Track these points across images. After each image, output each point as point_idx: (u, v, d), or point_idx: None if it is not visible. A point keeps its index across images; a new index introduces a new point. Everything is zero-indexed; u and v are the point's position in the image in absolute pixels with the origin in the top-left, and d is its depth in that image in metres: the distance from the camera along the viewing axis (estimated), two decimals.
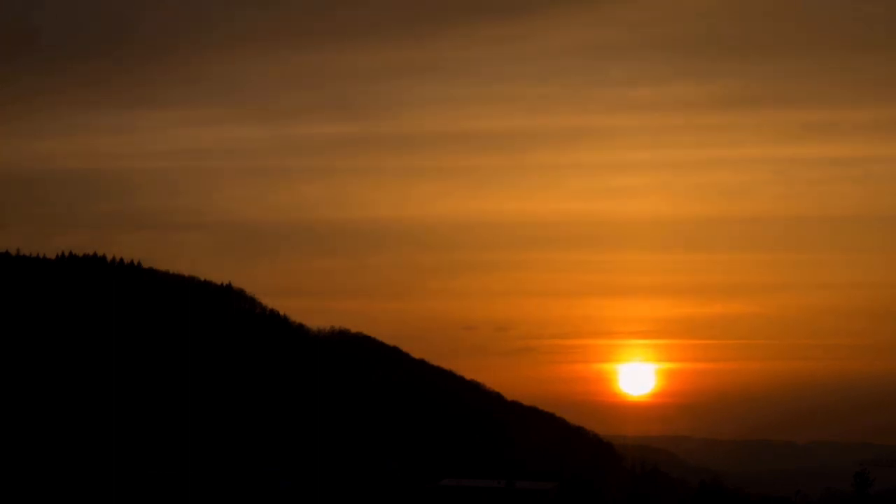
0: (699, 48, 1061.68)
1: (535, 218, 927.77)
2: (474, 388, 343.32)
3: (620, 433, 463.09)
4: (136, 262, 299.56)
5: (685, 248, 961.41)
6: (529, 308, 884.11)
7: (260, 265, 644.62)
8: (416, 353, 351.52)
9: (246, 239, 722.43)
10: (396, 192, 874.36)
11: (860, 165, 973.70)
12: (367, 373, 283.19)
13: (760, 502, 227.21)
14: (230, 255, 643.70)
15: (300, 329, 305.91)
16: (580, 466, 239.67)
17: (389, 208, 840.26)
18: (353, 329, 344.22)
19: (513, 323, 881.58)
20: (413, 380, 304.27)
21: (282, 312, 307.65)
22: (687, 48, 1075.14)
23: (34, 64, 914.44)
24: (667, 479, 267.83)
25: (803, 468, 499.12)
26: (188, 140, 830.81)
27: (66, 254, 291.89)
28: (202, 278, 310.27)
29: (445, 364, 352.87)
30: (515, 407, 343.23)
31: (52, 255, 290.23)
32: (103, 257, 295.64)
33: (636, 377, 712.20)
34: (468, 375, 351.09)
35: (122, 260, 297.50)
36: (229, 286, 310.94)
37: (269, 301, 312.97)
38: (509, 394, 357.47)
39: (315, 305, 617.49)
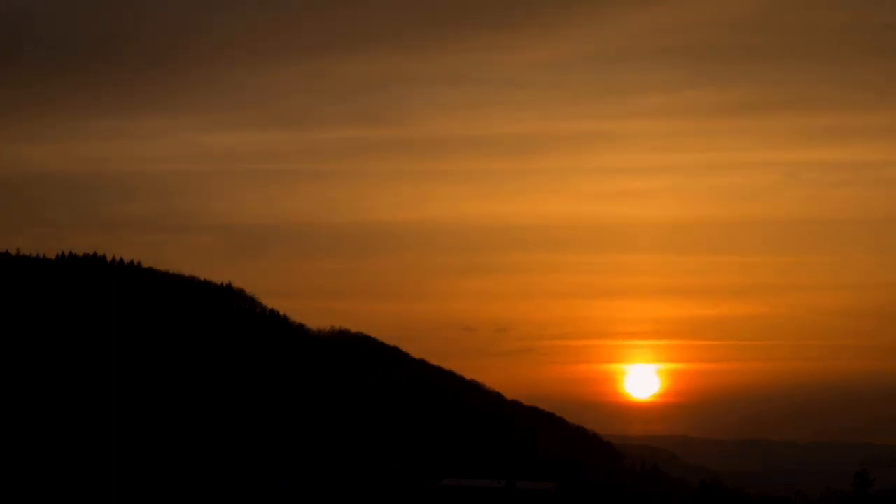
0: (710, 55, 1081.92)
1: (544, 221, 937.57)
2: (474, 388, 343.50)
3: (621, 433, 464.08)
4: (136, 262, 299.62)
5: (695, 250, 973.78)
6: (530, 309, 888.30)
7: (264, 266, 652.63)
8: (421, 355, 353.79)
9: (251, 241, 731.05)
10: (405, 195, 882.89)
11: (869, 169, 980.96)
12: (367, 373, 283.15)
13: (760, 502, 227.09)
14: (237, 256, 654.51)
15: (300, 329, 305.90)
16: (580, 466, 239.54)
17: (397, 211, 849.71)
18: (356, 330, 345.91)
19: (514, 324, 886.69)
20: (413, 380, 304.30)
21: (282, 312, 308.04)
22: (698, 56, 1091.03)
23: (38, 70, 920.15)
24: (667, 479, 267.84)
25: (803, 468, 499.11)
26: (193, 145, 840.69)
27: (66, 254, 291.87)
28: (202, 278, 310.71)
29: (457, 366, 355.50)
30: (515, 407, 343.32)
31: (52, 255, 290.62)
32: (103, 257, 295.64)
33: (636, 378, 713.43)
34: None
35: (122, 260, 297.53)
36: (229, 286, 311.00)
37: (271, 302, 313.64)
38: (510, 393, 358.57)
39: (320, 307, 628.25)
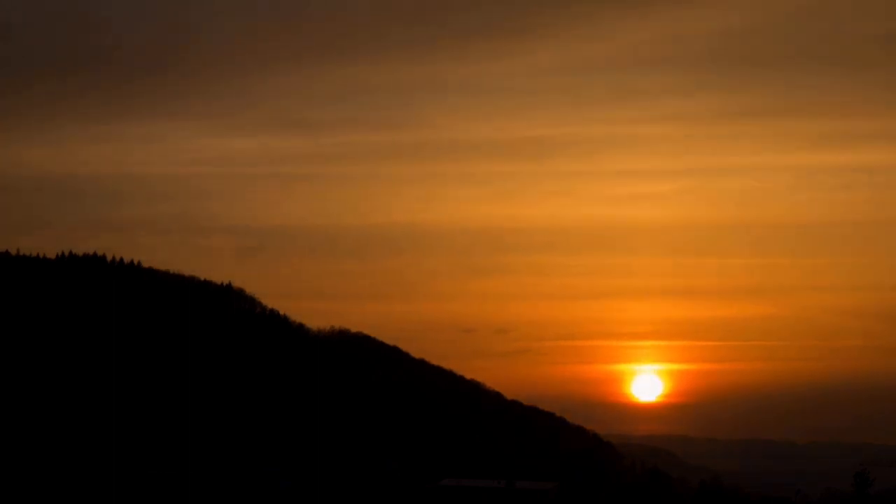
0: (722, 61, 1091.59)
1: (550, 223, 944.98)
2: (474, 388, 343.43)
3: (621, 433, 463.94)
4: (136, 262, 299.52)
5: (705, 252, 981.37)
6: (530, 310, 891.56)
7: (267, 268, 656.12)
8: (428, 356, 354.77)
9: (260, 243, 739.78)
10: (414, 198, 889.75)
11: (880, 172, 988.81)
12: (367, 373, 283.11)
13: (760, 502, 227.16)
14: (247, 258, 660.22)
15: (300, 329, 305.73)
16: (580, 466, 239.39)
17: (408, 214, 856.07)
18: (366, 331, 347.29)
19: (515, 325, 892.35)
20: (413, 380, 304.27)
21: (282, 312, 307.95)
22: (710, 61, 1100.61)
23: (45, 76, 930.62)
24: (667, 478, 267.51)
25: (803, 468, 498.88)
26: (206, 149, 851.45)
27: (66, 254, 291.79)
28: (202, 278, 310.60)
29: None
30: (515, 407, 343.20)
31: (52, 255, 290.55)
32: (103, 257, 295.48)
33: (637, 378, 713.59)
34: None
35: (122, 260, 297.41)
36: (229, 286, 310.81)
37: (272, 302, 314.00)
38: (510, 393, 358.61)
39: (321, 308, 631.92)
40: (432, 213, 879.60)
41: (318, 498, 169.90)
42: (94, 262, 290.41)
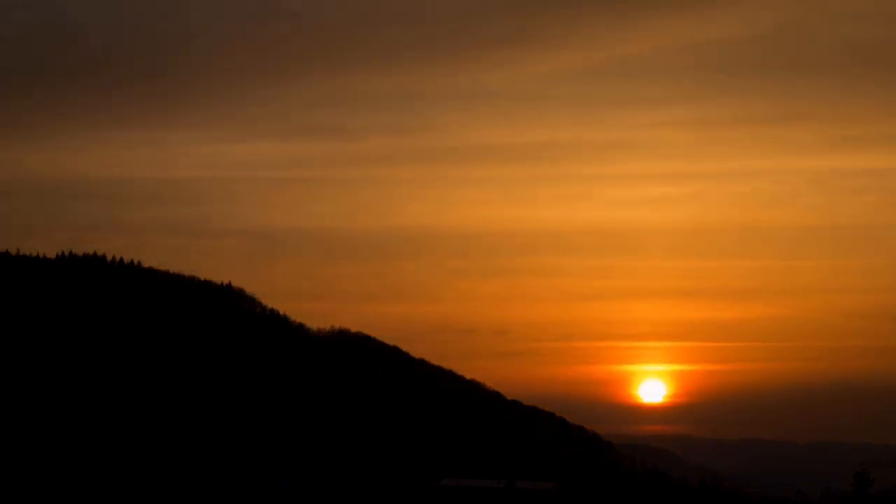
0: (733, 67, 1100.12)
1: (558, 226, 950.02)
2: (474, 388, 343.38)
3: (621, 433, 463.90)
4: (136, 262, 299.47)
5: (715, 254, 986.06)
6: (529, 312, 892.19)
7: (276, 270, 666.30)
8: (432, 358, 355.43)
9: (270, 245, 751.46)
10: (427, 201, 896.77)
11: (893, 176, 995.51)
12: (367, 373, 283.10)
13: (760, 502, 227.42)
14: (261, 259, 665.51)
15: (300, 329, 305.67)
16: (580, 466, 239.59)
17: (419, 217, 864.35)
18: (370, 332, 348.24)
19: (515, 326, 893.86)
20: (413, 380, 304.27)
21: (282, 312, 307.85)
22: (721, 68, 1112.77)
23: (77, 86, 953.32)
24: (667, 479, 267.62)
25: (803, 468, 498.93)
26: (221, 155, 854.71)
27: (66, 254, 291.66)
28: (202, 278, 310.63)
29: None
30: (515, 407, 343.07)
31: (52, 254, 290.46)
32: (103, 257, 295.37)
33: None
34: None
35: (122, 260, 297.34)
36: (229, 286, 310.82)
37: (280, 303, 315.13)
38: (510, 393, 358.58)
39: (333, 309, 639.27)
40: (443, 217, 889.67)
41: (318, 498, 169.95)
42: (94, 262, 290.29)
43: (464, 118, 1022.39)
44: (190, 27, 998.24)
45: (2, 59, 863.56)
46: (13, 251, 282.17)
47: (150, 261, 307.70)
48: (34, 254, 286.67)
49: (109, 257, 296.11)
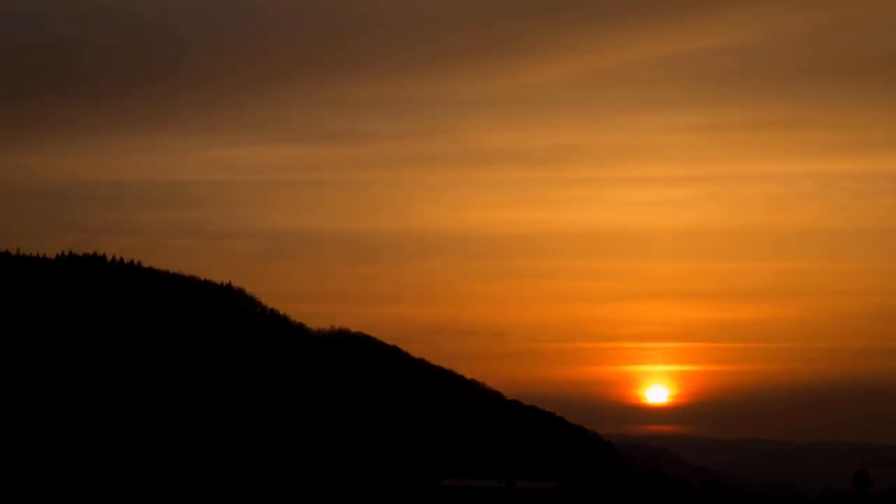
0: (746, 73, 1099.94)
1: (569, 228, 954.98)
2: (474, 388, 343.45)
3: (621, 433, 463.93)
4: (136, 262, 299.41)
5: (708, 257, 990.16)
6: (529, 313, 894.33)
7: (279, 271, 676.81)
8: (431, 357, 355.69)
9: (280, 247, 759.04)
10: (428, 204, 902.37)
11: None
12: (367, 373, 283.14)
13: (760, 502, 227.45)
14: (267, 263, 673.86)
15: (300, 329, 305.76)
16: (580, 466, 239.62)
17: (432, 219, 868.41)
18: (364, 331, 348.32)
19: (513, 327, 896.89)
20: (413, 380, 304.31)
21: (282, 312, 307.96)
22: (733, 73, 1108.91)
23: (88, 94, 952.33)
24: (667, 479, 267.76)
25: (803, 468, 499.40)
26: (237, 159, 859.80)
27: (66, 254, 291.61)
28: (202, 278, 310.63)
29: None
30: (515, 407, 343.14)
31: (52, 254, 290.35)
32: (103, 257, 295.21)
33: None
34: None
35: (121, 260, 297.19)
36: (229, 286, 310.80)
37: (285, 305, 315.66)
38: (510, 393, 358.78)
39: (323, 309, 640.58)
40: (447, 219, 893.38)
41: (318, 498, 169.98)
42: (94, 262, 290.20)
43: (467, 122, 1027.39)
44: (211, 37, 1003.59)
45: (9, 69, 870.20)
46: (13, 251, 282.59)
47: (160, 263, 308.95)
48: (34, 254, 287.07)
49: (110, 257, 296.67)
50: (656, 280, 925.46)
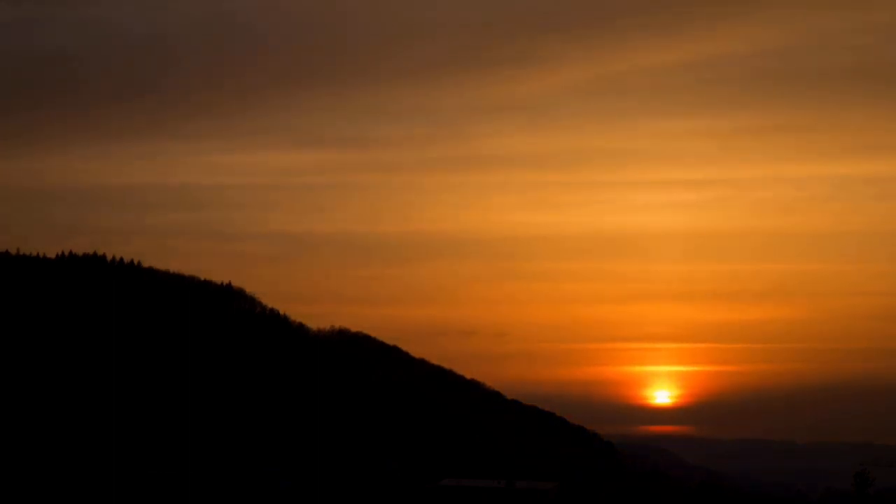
0: (758, 78, 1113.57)
1: (576, 230, 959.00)
2: (474, 388, 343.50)
3: (621, 433, 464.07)
4: (136, 262, 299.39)
5: (708, 258, 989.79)
6: (528, 313, 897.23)
7: (282, 272, 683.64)
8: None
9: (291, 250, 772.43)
10: (446, 206, 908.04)
11: None
12: (367, 373, 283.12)
13: (760, 502, 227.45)
14: (275, 265, 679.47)
15: (300, 329, 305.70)
16: (580, 466, 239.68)
17: (439, 222, 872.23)
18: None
19: (512, 328, 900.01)
20: (413, 380, 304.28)
21: (282, 312, 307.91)
22: (745, 78, 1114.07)
23: (102, 100, 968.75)
24: (667, 479, 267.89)
25: (803, 468, 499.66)
26: (239, 163, 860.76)
27: (66, 253, 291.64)
28: (202, 278, 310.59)
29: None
30: (515, 407, 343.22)
31: (52, 254, 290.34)
32: (103, 257, 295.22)
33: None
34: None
35: (121, 259, 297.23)
36: (229, 285, 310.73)
37: (287, 306, 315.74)
38: (510, 393, 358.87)
39: (323, 310, 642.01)
40: (451, 221, 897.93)
41: (318, 498, 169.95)
42: (94, 262, 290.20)
43: (469, 126, 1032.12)
44: (223, 43, 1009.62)
45: (19, 76, 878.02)
46: (13, 251, 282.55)
47: (160, 264, 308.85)
48: (34, 253, 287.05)
49: (109, 257, 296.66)
50: (660, 282, 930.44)
